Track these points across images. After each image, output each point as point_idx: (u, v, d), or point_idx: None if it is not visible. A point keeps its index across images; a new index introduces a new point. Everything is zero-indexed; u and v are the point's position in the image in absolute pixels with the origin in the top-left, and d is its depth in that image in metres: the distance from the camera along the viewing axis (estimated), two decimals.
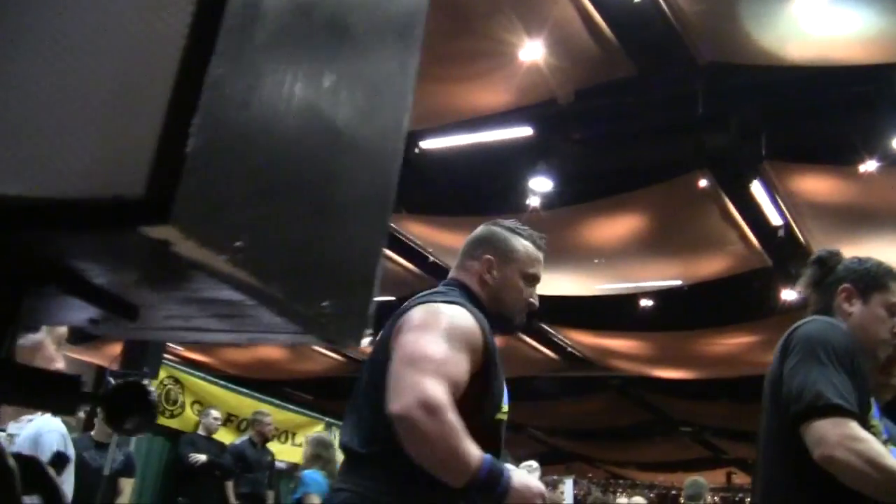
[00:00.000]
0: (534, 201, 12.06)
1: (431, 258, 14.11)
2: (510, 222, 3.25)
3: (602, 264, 13.69)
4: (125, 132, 0.86)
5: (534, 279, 3.13)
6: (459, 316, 2.81)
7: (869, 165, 10.77)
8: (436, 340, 2.66)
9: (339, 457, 10.95)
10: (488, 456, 2.54)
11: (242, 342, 1.13)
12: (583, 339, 17.46)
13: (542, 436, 24.77)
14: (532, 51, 9.35)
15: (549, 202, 12.14)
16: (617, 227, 12.56)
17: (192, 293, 0.97)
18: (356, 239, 1.08)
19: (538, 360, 18.34)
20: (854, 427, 2.83)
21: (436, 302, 2.88)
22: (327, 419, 13.03)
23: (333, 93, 1.01)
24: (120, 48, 0.90)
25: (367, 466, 2.75)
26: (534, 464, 11.27)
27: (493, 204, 12.15)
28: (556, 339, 17.91)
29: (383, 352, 2.76)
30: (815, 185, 11.61)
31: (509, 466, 2.64)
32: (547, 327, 17.14)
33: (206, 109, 0.83)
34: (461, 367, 2.66)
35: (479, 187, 13.02)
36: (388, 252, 14.05)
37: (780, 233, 12.48)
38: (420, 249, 14.04)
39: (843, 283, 3.30)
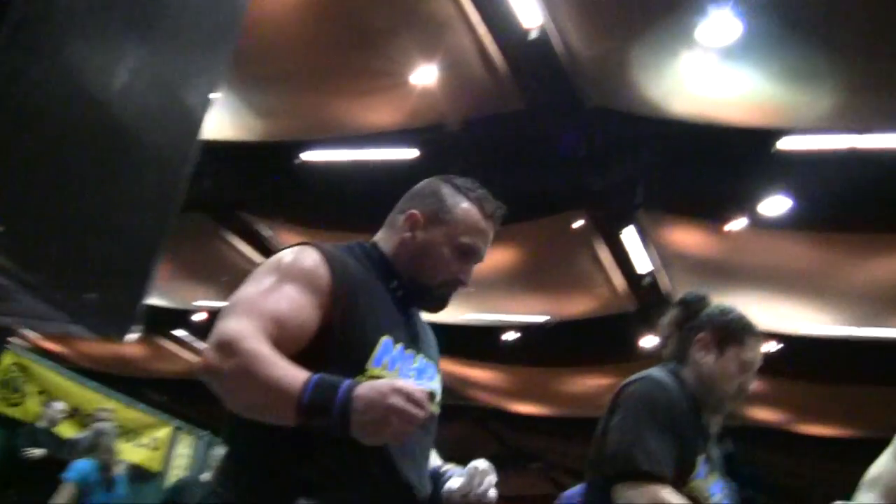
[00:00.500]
0: None
1: None
2: (464, 180, 2.67)
3: (471, 293, 13.75)
4: None
5: (468, 251, 2.55)
6: (297, 255, 2.31)
7: (737, 224, 11.10)
8: (256, 282, 2.22)
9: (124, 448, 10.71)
10: (316, 374, 2.00)
11: (13, 325, 1.07)
12: (443, 367, 17.47)
13: None
14: (425, 74, 9.38)
15: None
16: (490, 257, 12.62)
17: None
18: (133, 236, 1.04)
19: None
20: (662, 493, 2.83)
21: None
22: (177, 422, 12.73)
23: (125, 94, 0.96)
24: None
25: (224, 462, 2.32)
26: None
27: (372, 223, 12.11)
28: None
29: None
30: (685, 237, 11.92)
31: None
32: None
33: None
34: (284, 301, 2.17)
35: (359, 204, 12.94)
36: (258, 257, 13.89)
37: (647, 280, 12.75)
38: None
39: (702, 332, 3.26)
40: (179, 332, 19.15)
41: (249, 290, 2.20)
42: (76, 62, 0.87)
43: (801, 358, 13.23)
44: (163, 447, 12.34)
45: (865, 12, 7.98)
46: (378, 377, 2.21)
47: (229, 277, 13.19)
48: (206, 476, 8.97)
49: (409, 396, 1.97)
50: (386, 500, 2.27)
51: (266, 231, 14.01)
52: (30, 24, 0.82)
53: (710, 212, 11.23)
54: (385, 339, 2.33)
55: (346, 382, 1.99)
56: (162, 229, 1.10)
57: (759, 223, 11.11)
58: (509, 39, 9.09)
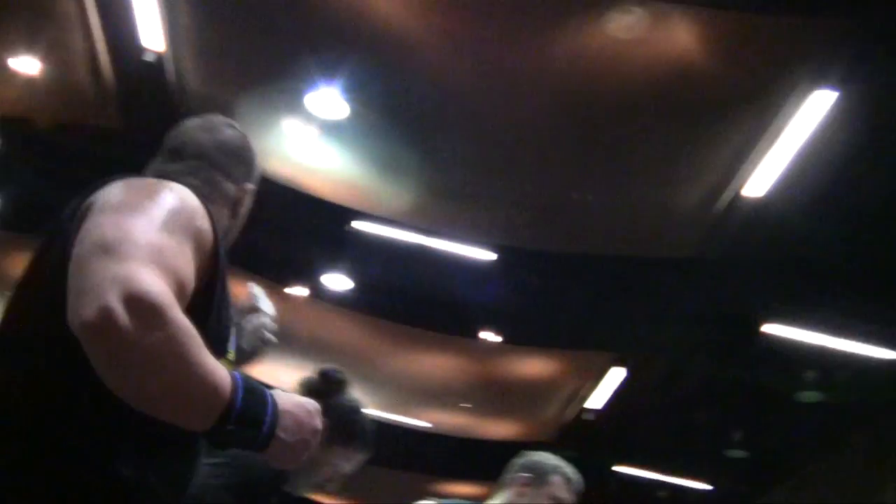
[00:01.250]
0: None
1: None
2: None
3: None
4: None
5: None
6: (185, 194, 1.87)
7: (297, 291, 11.36)
8: (146, 220, 1.69)
9: None
10: (236, 373, 1.65)
11: None
12: None
13: None
14: (26, 63, 8.90)
15: None
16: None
17: None
18: None
19: None
20: None
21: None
22: None
23: None
24: None
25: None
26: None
27: None
28: None
29: (55, 260, 1.74)
30: (242, 292, 11.99)
31: None
32: None
33: None
34: (184, 258, 1.71)
35: None
36: None
37: None
38: None
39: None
40: None
41: (146, 228, 1.67)
42: None
43: None
44: None
45: (458, 124, 8.60)
46: (230, 362, 1.92)
47: None
48: None
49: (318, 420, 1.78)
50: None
51: None
52: None
53: (275, 272, 11.41)
54: (233, 323, 2.05)
55: (269, 392, 1.69)
56: None
57: (320, 295, 11.45)
58: (124, 53, 8.85)
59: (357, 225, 10.19)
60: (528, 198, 9.34)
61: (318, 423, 1.76)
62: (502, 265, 10.31)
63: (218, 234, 1.89)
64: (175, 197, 1.83)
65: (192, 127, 2.29)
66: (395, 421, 14.69)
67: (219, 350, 1.74)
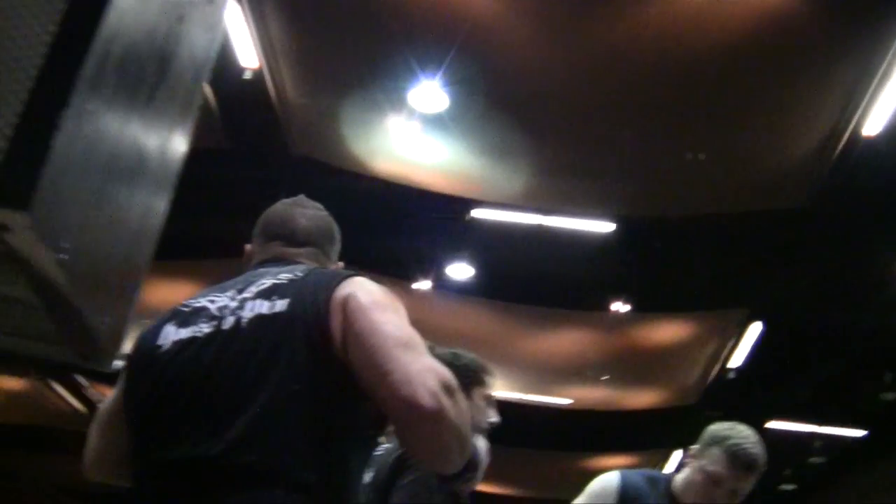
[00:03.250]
0: None
1: None
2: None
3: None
4: None
5: None
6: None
7: (423, 285, 11.41)
8: (406, 319, 2.17)
9: None
10: None
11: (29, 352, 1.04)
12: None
13: (53, 491, 23.44)
14: None
15: None
16: (176, 292, 12.34)
17: None
18: (132, 264, 1.07)
19: (63, 410, 17.47)
20: None
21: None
22: None
23: (149, 124, 1.06)
24: None
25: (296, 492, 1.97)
26: None
27: None
28: (85, 393, 17.15)
29: (307, 328, 2.09)
30: None
31: None
32: (80, 378, 16.39)
33: (71, 108, 0.83)
34: None
35: None
36: None
37: None
38: None
39: None
40: None
41: (410, 330, 2.12)
42: (118, 105, 0.96)
43: None
44: None
45: (562, 102, 8.49)
46: None
47: None
48: None
49: None
50: None
51: None
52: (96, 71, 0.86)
53: (399, 270, 11.48)
54: None
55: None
56: (149, 257, 1.12)
57: (444, 286, 11.48)
58: (223, 75, 8.97)
59: (475, 213, 10.18)
60: (641, 165, 9.19)
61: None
62: (623, 235, 10.19)
63: None
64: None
65: (294, 213, 2.60)
66: (535, 401, 14.65)
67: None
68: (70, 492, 22.58)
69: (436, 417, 1.91)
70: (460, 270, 11.17)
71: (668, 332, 12.18)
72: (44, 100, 0.83)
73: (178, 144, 1.21)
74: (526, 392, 14.32)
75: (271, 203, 8.71)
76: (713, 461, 3.57)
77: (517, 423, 14.22)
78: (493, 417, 3.44)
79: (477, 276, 11.23)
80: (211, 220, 11.26)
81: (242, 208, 11.41)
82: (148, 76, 1.03)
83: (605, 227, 10.16)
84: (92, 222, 0.93)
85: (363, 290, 2.15)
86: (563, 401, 14.89)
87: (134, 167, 1.04)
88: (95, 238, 0.95)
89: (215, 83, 9.03)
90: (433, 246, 10.95)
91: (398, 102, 8.69)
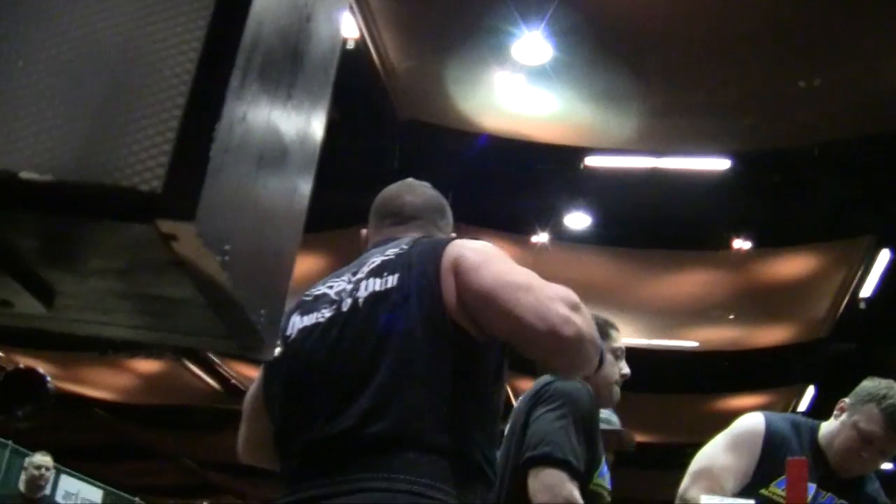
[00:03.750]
0: None
1: None
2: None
3: None
4: (139, 127, 0.89)
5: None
6: None
7: (541, 238, 11.41)
8: (515, 266, 2.28)
9: None
10: None
11: (149, 340, 1.15)
12: (246, 371, 17.30)
13: (194, 466, 24.22)
14: None
15: None
16: (302, 264, 12.55)
17: (139, 288, 1.01)
18: (282, 253, 1.14)
19: (199, 388, 17.98)
20: (575, 492, 2.96)
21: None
22: None
23: (288, 118, 1.09)
24: (140, 50, 0.94)
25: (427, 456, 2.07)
26: None
27: None
28: (219, 370, 17.62)
29: (419, 297, 2.20)
30: None
31: None
32: (213, 357, 16.85)
33: (224, 117, 0.89)
34: None
35: None
36: None
37: None
38: None
39: None
40: None
41: (531, 274, 2.25)
42: (269, 93, 1.05)
43: None
44: None
45: (669, 41, 8.34)
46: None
47: None
48: (22, 487, 8.50)
49: None
50: None
51: None
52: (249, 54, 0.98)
53: (515, 225, 11.50)
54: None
55: None
56: (295, 247, 1.20)
57: (562, 237, 11.46)
58: None
59: (588, 161, 10.12)
60: (754, 98, 9.00)
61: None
62: (740, 171, 10.02)
63: None
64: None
65: (401, 191, 2.68)
66: (661, 346, 14.55)
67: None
68: (210, 465, 23.32)
69: (577, 339, 2.10)
70: (578, 220, 11.13)
71: (792, 265, 11.95)
72: (199, 114, 0.88)
73: (316, 131, 1.26)
74: (651, 337, 14.23)
75: (385, 171, 8.88)
76: (868, 419, 3.49)
77: (644, 368, 14.16)
78: (624, 370, 3.47)
79: (595, 225, 11.19)
80: (328, 193, 11.38)
81: (357, 178, 11.62)
82: (284, 77, 1.08)
83: (721, 164, 10.00)
84: (247, 221, 0.99)
85: (468, 250, 2.26)
86: (689, 343, 14.75)
87: (278, 161, 1.09)
88: (251, 235, 1.01)
89: None
90: (549, 198, 10.92)
91: (502, 57, 8.66)
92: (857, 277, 12.04)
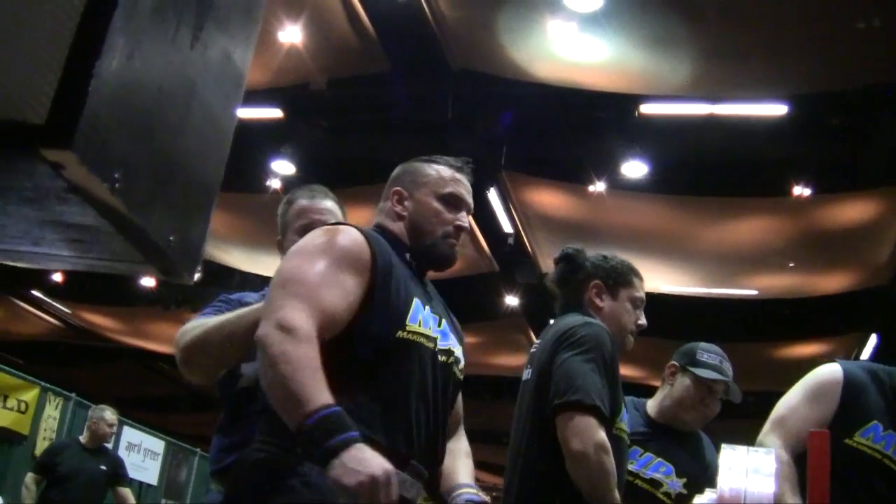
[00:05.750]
0: (274, 183, 11.96)
1: None
2: (428, 156, 2.95)
3: None
4: (27, 65, 0.97)
5: (453, 200, 2.78)
6: (344, 237, 2.55)
7: (598, 186, 11.37)
8: (312, 262, 2.45)
9: None
10: (336, 408, 2.17)
11: (80, 268, 1.25)
12: None
13: None
14: (291, 33, 9.29)
15: (290, 186, 12.05)
16: (351, 217, 12.63)
17: (54, 216, 1.08)
18: (198, 184, 1.21)
19: None
20: (605, 436, 3.02)
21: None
22: (43, 383, 12.31)
23: (194, 60, 1.15)
24: None
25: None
26: None
27: (233, 182, 11.96)
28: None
29: None
30: (547, 199, 12.14)
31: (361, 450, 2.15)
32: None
33: (104, 56, 0.96)
34: (337, 291, 2.42)
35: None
36: None
37: (510, 241, 12.94)
38: None
39: (594, 280, 3.47)
40: (35, 293, 18.62)
41: (305, 270, 2.43)
42: (166, 31, 1.13)
43: (656, 315, 13.67)
44: (30, 410, 11.96)
45: None
46: (417, 332, 2.55)
47: None
48: (83, 438, 8.70)
49: (388, 490, 2.11)
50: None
51: None
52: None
53: (571, 174, 11.46)
54: (416, 301, 2.60)
55: (347, 436, 2.14)
56: (218, 178, 1.28)
57: (619, 185, 11.40)
58: (378, 2, 9.07)
59: (643, 109, 10.04)
60: (810, 40, 8.84)
61: (372, 486, 2.08)
62: (798, 115, 9.87)
63: (377, 248, 2.54)
64: (330, 236, 2.55)
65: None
66: (720, 294, 14.46)
67: (400, 318, 2.51)
68: None
69: (260, 349, 2.29)
70: (634, 168, 11.05)
71: (853, 211, 11.78)
72: (82, 51, 0.97)
73: (237, 68, 1.32)
74: (710, 285, 14.15)
75: (440, 121, 8.85)
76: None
77: (704, 317, 14.12)
78: (641, 320, 3.51)
79: (651, 173, 11.10)
80: (384, 144, 11.47)
81: (412, 129, 11.62)
82: (187, 18, 1.16)
83: (779, 109, 9.85)
84: (144, 151, 1.06)
85: (297, 242, 2.64)
86: (749, 291, 14.64)
87: (185, 96, 1.15)
88: (153, 164, 1.09)
89: (371, 10, 9.14)
90: (604, 146, 10.85)
91: (554, 4, 8.60)
92: None
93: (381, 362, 2.48)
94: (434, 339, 2.61)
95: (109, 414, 8.56)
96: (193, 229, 1.20)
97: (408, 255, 2.71)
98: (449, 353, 2.67)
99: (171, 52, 1.09)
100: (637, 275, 3.55)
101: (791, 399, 3.62)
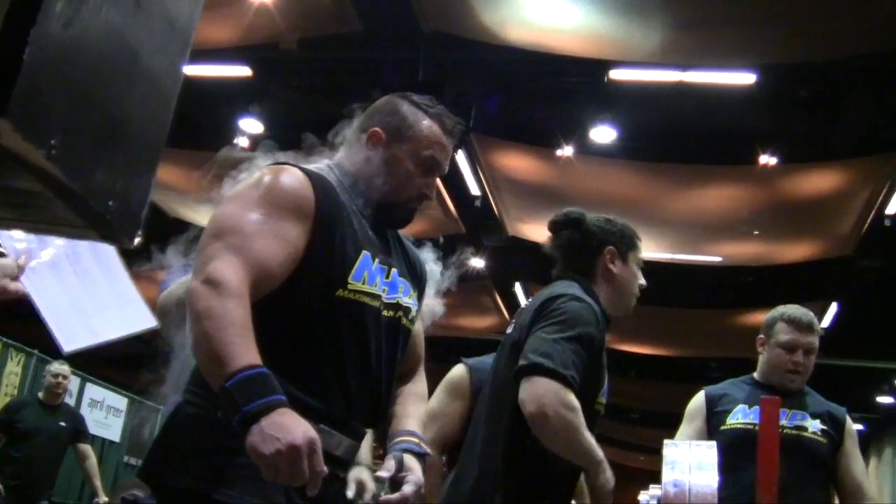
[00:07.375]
0: (243, 142, 11.87)
1: None
2: (423, 97, 2.70)
3: None
4: None
5: (430, 165, 2.59)
6: (284, 179, 2.36)
7: (566, 151, 11.38)
8: (248, 208, 2.28)
9: None
10: (260, 369, 2.02)
11: (25, 230, 1.30)
12: None
13: None
14: None
15: (258, 144, 11.96)
16: None
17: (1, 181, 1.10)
18: (140, 149, 1.22)
19: None
20: (571, 396, 2.93)
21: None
22: (4, 339, 12.10)
23: (136, 25, 1.16)
24: None
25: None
26: None
27: (200, 140, 11.86)
28: None
29: None
30: (516, 162, 12.14)
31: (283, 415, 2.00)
32: None
33: (40, 24, 0.97)
34: (273, 242, 2.25)
35: (187, 120, 12.69)
36: None
37: (477, 203, 12.95)
38: None
39: (608, 245, 3.38)
40: None
41: (239, 217, 2.27)
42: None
43: None
44: None
45: None
46: (359, 290, 2.39)
47: None
48: (41, 394, 8.65)
49: (311, 459, 1.97)
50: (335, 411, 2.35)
51: None
52: None
53: (540, 138, 11.46)
54: (364, 254, 2.43)
55: (269, 400, 2.00)
56: (160, 144, 1.29)
57: (587, 151, 11.42)
58: None
59: (613, 74, 10.04)
60: (781, 9, 8.84)
61: (290, 452, 1.94)
62: (767, 84, 9.91)
63: (322, 192, 2.39)
64: (268, 179, 2.36)
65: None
66: (684, 260, 14.56)
67: (342, 275, 2.37)
68: None
69: (188, 300, 2.18)
70: (603, 133, 11.06)
71: (819, 181, 11.87)
72: (16, 20, 0.98)
73: (182, 35, 1.34)
74: (675, 252, 14.23)
75: (410, 83, 8.84)
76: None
77: (669, 283, 14.22)
78: (641, 280, 3.48)
79: (620, 138, 11.13)
80: (351, 105, 11.39)
81: (382, 90, 11.51)
82: None
83: (748, 78, 9.88)
84: (84, 117, 1.08)
85: (235, 187, 2.49)
86: (713, 258, 14.75)
87: (126, 64, 1.17)
88: (91, 130, 1.10)
89: None
90: (573, 111, 10.87)
91: None
92: (883, 194, 11.95)
93: (318, 322, 2.35)
94: (378, 297, 2.44)
95: (58, 366, 8.48)
96: (134, 194, 1.22)
97: (361, 201, 2.53)
98: (396, 306, 2.51)
99: (112, 17, 1.11)
100: (638, 237, 3.52)
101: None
